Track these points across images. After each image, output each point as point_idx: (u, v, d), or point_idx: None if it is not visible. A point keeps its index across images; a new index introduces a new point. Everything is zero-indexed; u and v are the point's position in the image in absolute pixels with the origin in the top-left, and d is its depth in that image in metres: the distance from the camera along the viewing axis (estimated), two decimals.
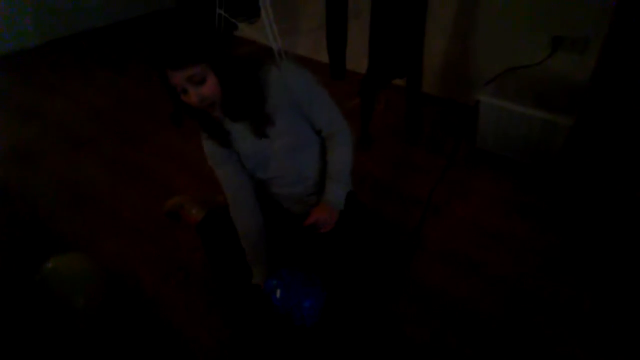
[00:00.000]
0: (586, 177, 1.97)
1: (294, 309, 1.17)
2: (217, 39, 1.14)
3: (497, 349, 1.39)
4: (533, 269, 1.62)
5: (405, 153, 2.26)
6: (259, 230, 1.33)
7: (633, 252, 1.65)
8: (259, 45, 2.59)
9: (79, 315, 1.45)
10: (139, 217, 1.94)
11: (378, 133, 2.35)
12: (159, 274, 1.68)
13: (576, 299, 1.51)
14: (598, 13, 1.93)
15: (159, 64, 1.07)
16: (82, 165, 2.29)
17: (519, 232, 1.76)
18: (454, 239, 1.75)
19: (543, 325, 1.44)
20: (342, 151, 1.33)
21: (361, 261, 1.39)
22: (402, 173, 2.13)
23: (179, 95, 1.13)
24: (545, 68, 2.15)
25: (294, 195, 1.37)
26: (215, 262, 1.46)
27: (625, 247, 1.67)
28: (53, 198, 2.09)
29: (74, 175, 2.22)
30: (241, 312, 1.49)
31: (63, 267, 1.49)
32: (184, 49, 1.06)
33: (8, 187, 2.19)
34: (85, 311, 1.45)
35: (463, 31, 2.42)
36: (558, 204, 1.88)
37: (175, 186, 2.08)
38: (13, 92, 3.09)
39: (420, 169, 2.14)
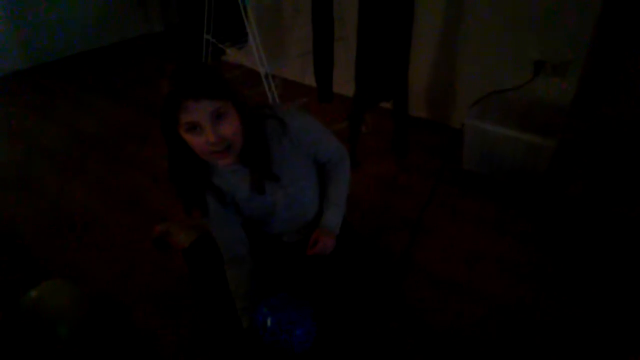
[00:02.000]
0: (571, 197, 2.00)
1: (286, 337, 1.16)
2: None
3: None
4: (521, 289, 1.62)
5: (392, 174, 2.28)
6: (251, 283, 1.30)
7: (620, 270, 1.66)
8: (246, 69, 2.62)
9: (63, 344, 1.41)
10: (127, 243, 1.91)
11: (365, 155, 2.37)
12: (148, 301, 1.65)
13: (565, 317, 1.51)
14: (577, 38, 1.99)
15: (180, 93, 0.97)
16: (70, 190, 2.26)
17: (505, 253, 1.77)
18: (443, 260, 1.75)
19: (536, 345, 1.43)
20: (342, 179, 1.37)
21: (352, 287, 1.38)
22: (390, 194, 2.14)
23: (178, 144, 1.07)
24: (528, 91, 2.19)
25: (289, 230, 1.39)
26: (202, 289, 1.44)
27: (613, 265, 1.69)
28: (40, 223, 2.05)
29: (61, 200, 2.19)
30: (229, 341, 1.47)
31: (48, 295, 1.46)
32: (212, 78, 1.01)
33: None
34: (70, 340, 1.42)
35: (447, 55, 2.47)
36: (544, 225, 1.90)
37: (165, 212, 2.06)
38: (0, 116, 3.06)
39: (407, 190, 2.15)
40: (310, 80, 2.56)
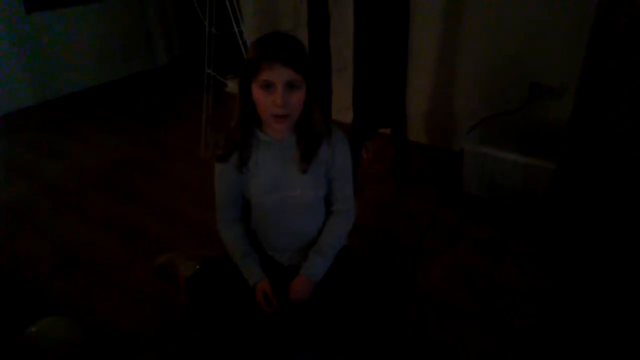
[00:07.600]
0: (571, 219, 1.99)
1: None
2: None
3: None
4: (522, 312, 1.61)
5: (394, 199, 2.29)
6: (246, 237, 1.40)
7: (623, 292, 1.65)
8: None
9: None
10: (131, 277, 1.91)
11: (365, 180, 2.39)
12: (152, 335, 1.65)
13: (568, 339, 1.49)
14: (570, 61, 2.02)
15: (271, 54, 1.13)
16: (75, 224, 2.28)
17: (507, 276, 1.77)
18: (444, 284, 1.75)
19: None
20: (340, 231, 1.40)
21: (355, 311, 1.38)
22: (391, 219, 2.15)
23: (248, 98, 1.21)
24: (526, 114, 2.22)
25: (285, 247, 1.41)
26: (205, 318, 1.44)
27: (615, 287, 1.67)
28: (45, 258, 2.07)
29: (66, 234, 2.21)
30: None
31: (45, 333, 1.46)
32: (301, 52, 1.18)
33: None
34: None
35: (445, 80, 2.51)
36: (545, 247, 1.89)
37: (168, 243, 2.07)
38: (7, 152, 3.12)
39: (408, 214, 2.16)
40: None
